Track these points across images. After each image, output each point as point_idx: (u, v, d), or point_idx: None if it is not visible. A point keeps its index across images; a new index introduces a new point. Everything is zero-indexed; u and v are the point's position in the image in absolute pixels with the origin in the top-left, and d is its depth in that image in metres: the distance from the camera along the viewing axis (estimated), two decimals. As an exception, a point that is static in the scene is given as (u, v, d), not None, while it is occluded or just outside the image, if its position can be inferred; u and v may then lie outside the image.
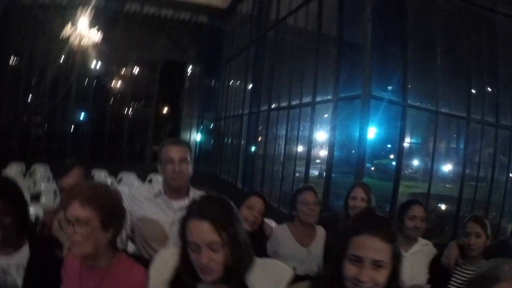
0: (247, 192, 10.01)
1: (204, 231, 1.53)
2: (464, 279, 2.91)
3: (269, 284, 1.70)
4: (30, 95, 14.09)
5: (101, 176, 9.67)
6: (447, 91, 7.01)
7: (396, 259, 1.51)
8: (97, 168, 9.91)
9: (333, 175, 6.88)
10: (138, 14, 14.41)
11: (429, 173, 7.00)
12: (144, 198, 2.68)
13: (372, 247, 1.45)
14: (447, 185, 7.98)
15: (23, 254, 2.00)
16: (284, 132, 8.82)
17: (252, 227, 2.79)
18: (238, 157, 11.74)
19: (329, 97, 6.88)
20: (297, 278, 1.81)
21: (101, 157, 13.79)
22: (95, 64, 14.46)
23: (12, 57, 13.86)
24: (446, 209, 8.31)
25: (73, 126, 14.63)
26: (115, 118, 14.69)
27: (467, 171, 7.57)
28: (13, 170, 9.62)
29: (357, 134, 5.98)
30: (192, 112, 15.97)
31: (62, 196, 2.50)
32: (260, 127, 10.21)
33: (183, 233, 1.59)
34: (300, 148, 8.17)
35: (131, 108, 15.19)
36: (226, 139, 13.96)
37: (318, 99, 7.31)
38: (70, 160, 2.74)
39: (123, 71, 15.13)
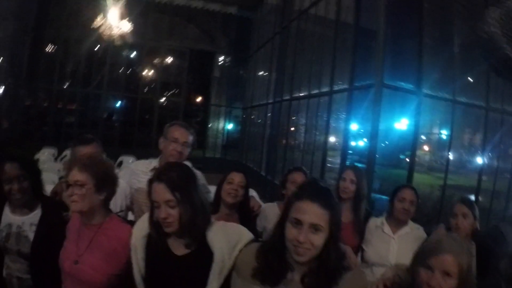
0: (270, 179, 10.20)
1: (161, 191, 1.85)
2: None
3: (227, 243, 1.90)
4: (65, 83, 14.64)
5: (129, 161, 10.05)
6: (465, 80, 6.98)
7: (334, 224, 1.65)
8: (125, 155, 10.31)
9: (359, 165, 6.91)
10: (169, 5, 14.72)
11: (446, 164, 7.06)
12: (141, 172, 2.97)
13: (311, 211, 1.62)
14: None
15: (36, 214, 2.38)
16: (304, 121, 8.96)
17: (233, 199, 2.92)
18: (262, 145, 11.94)
19: (346, 86, 6.96)
20: None
21: (130, 144, 14.23)
22: (127, 54, 14.87)
23: (48, 46, 14.48)
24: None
25: (105, 113, 15.11)
26: (145, 106, 15.10)
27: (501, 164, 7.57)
28: (45, 154, 10.13)
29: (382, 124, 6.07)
30: (220, 101, 16.27)
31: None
32: (282, 116, 10.35)
33: (149, 194, 1.90)
34: (323, 138, 8.22)
35: (161, 97, 15.57)
36: (252, 128, 14.18)
37: (335, 88, 7.39)
38: (89, 135, 3.09)
39: (154, 60, 15.51)
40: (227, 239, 1.93)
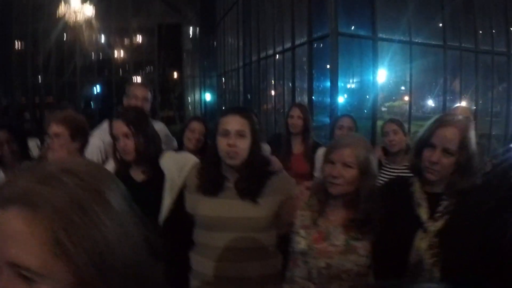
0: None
1: (119, 125, 2.30)
2: (388, 177, 3.23)
3: (176, 165, 2.34)
4: (39, 77, 14.61)
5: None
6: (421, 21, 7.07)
7: (255, 131, 2.05)
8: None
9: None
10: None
11: (409, 109, 7.29)
12: None
13: (235, 121, 2.01)
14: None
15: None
16: (272, 81, 9.10)
17: (195, 146, 3.31)
18: (238, 109, 11.99)
19: (305, 39, 7.04)
20: None
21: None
22: (96, 38, 14.72)
23: (16, 42, 14.36)
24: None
25: (82, 101, 15.06)
26: (121, 89, 14.89)
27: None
28: (29, 144, 10.27)
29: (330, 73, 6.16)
30: (194, 72, 16.30)
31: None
32: (254, 78, 10.44)
33: (111, 131, 2.36)
34: (290, 96, 8.25)
35: (135, 76, 15.51)
36: (227, 95, 14.29)
37: (297, 42, 7.48)
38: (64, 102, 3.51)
39: (123, 41, 15.37)
40: (175, 162, 2.37)
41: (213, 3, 15.25)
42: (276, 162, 2.23)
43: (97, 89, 15.24)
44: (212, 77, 16.13)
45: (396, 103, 13.33)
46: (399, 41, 6.81)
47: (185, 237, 2.22)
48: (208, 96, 16.44)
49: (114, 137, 2.35)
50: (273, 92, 9.28)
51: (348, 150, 1.92)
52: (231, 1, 12.87)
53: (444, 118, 1.91)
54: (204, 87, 16.43)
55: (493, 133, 7.98)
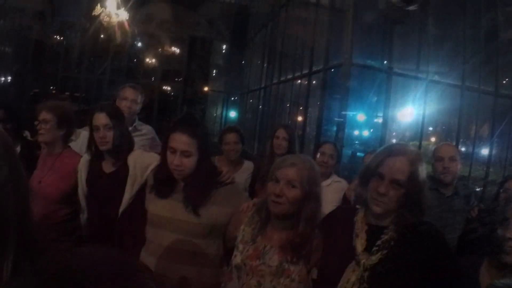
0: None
1: (102, 117, 2.55)
2: None
3: (140, 163, 2.53)
4: (69, 71, 14.91)
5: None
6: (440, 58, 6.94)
7: (202, 149, 2.10)
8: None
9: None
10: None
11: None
12: None
13: (181, 141, 2.05)
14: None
15: (16, 151, 2.99)
16: (288, 104, 9.13)
17: None
18: (255, 130, 12.06)
19: (321, 66, 7.06)
20: None
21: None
22: (129, 42, 15.01)
23: (53, 34, 14.85)
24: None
25: (111, 99, 15.25)
26: (146, 94, 15.10)
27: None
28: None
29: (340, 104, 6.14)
30: (219, 88, 16.52)
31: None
32: (272, 100, 10.47)
33: (91, 121, 2.57)
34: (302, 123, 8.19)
35: (162, 84, 15.78)
36: (247, 114, 14.39)
37: (314, 69, 7.50)
38: (64, 95, 4.03)
39: (154, 48, 15.64)
40: (141, 160, 2.56)
41: (245, 23, 15.49)
42: (226, 175, 2.24)
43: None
44: (237, 95, 16.28)
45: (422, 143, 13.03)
46: (415, 77, 6.70)
47: (140, 232, 2.31)
48: (232, 114, 16.55)
49: (94, 128, 2.55)
50: (287, 116, 9.27)
51: (294, 169, 1.88)
52: (261, 23, 13.08)
53: (394, 147, 1.85)
54: (227, 104, 16.61)
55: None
